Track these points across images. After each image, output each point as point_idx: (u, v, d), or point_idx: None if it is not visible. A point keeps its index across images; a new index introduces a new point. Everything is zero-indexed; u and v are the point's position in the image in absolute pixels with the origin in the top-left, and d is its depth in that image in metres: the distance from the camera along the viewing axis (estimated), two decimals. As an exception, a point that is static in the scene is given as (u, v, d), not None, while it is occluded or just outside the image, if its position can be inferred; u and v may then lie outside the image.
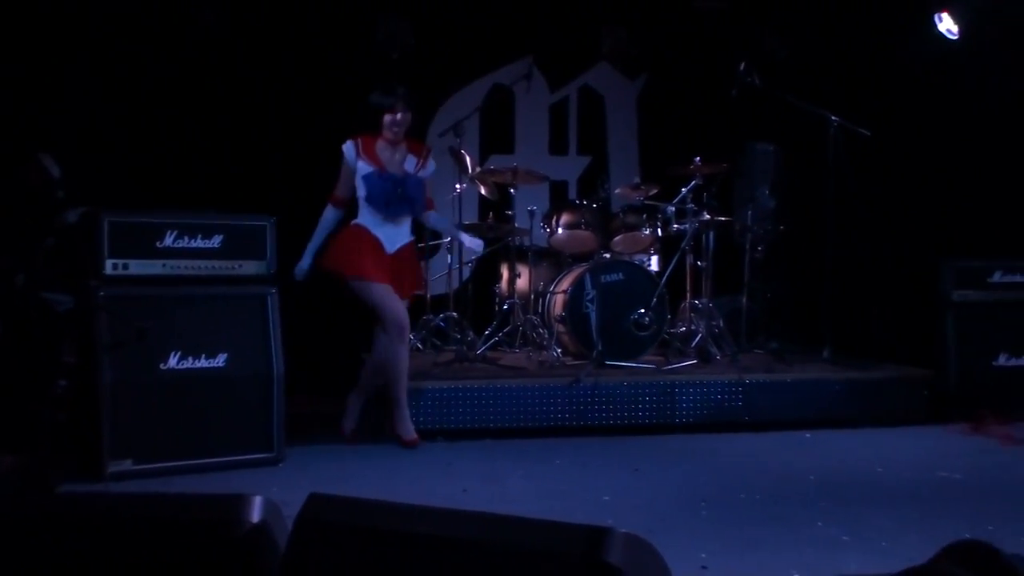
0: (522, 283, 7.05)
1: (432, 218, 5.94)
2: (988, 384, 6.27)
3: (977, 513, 3.97)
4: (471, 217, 7.75)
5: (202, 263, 4.87)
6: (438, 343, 6.97)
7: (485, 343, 6.69)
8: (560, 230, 6.91)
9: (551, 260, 7.16)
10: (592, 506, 4.15)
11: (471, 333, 6.92)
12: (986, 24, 6.66)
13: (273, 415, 4.98)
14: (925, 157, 7.11)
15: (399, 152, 5.56)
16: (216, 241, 4.91)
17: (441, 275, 7.19)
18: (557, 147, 8.52)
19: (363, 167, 5.45)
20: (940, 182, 7.01)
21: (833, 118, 6.62)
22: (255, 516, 2.11)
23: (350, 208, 5.64)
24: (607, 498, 4.30)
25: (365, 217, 5.48)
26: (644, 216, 6.88)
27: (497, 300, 7.23)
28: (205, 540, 2.11)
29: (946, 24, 6.87)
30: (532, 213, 6.90)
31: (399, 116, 5.45)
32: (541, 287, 7.01)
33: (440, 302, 7.11)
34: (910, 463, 4.97)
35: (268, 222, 5.07)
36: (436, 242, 7.31)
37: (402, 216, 5.52)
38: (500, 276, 7.32)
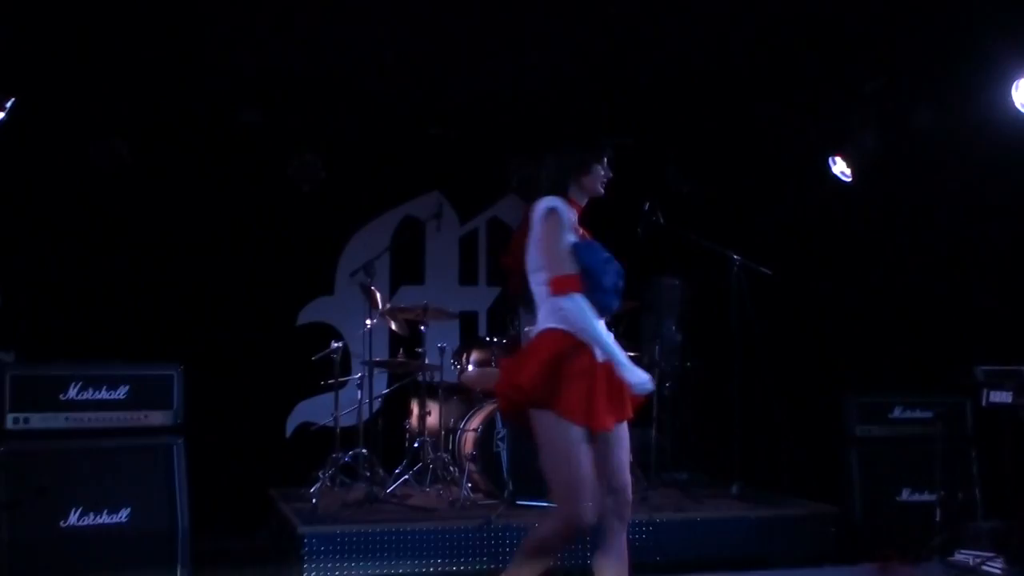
0: (432, 420, 7.04)
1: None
2: (893, 520, 6.39)
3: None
4: (381, 353, 7.76)
5: (107, 415, 4.79)
6: (347, 480, 6.89)
7: (395, 481, 6.63)
8: (470, 367, 6.96)
9: (462, 396, 7.17)
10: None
11: (381, 471, 6.88)
12: (876, 168, 6.98)
13: (177, 571, 4.84)
14: (825, 294, 7.37)
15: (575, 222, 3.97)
16: (122, 392, 4.83)
17: (351, 409, 7.14)
18: (467, 277, 8.63)
19: (572, 238, 3.87)
20: (840, 318, 7.25)
21: (735, 257, 6.82)
22: None
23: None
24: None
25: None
26: (554, 352, 6.93)
27: (407, 437, 7.20)
28: None
29: (840, 167, 7.18)
30: (443, 350, 6.93)
31: (608, 172, 4.03)
32: (452, 424, 7.00)
33: (349, 437, 7.05)
34: (820, 611, 5.03)
35: (175, 371, 5.01)
36: (346, 378, 7.28)
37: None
38: (410, 412, 7.30)
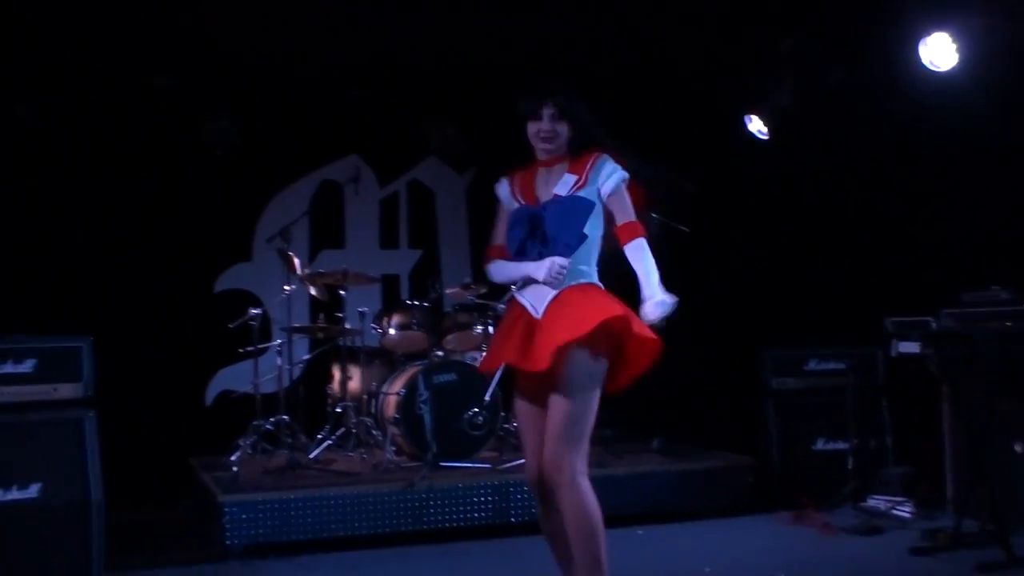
0: (354, 384, 7.01)
1: (631, 251, 3.91)
2: (808, 469, 6.52)
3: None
4: (301, 319, 7.68)
5: (13, 389, 4.67)
6: (269, 447, 6.83)
7: (318, 447, 6.59)
8: (392, 330, 6.92)
9: (383, 360, 7.14)
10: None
11: (303, 436, 6.84)
12: (791, 125, 7.06)
13: (91, 547, 4.75)
14: (741, 250, 7.45)
15: (555, 175, 3.85)
16: (28, 365, 4.71)
17: (271, 375, 7.08)
18: (388, 241, 8.56)
19: (511, 204, 3.96)
20: (756, 274, 7.34)
21: (653, 215, 6.83)
22: None
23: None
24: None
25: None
26: (475, 314, 6.96)
27: (329, 402, 7.16)
28: None
29: (756, 125, 7.24)
30: (363, 314, 6.88)
31: (546, 126, 3.79)
32: (374, 388, 6.97)
33: (270, 404, 6.98)
34: (737, 562, 5.11)
35: (84, 343, 4.90)
36: (265, 344, 7.20)
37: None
38: (332, 377, 7.25)
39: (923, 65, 5.98)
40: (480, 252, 8.53)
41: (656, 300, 3.84)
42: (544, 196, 3.84)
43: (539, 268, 3.69)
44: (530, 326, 3.69)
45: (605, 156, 3.82)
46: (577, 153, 3.85)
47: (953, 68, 5.90)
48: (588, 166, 3.80)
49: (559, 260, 3.68)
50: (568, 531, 3.54)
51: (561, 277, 3.70)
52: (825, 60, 6.80)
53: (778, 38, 6.90)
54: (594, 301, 3.73)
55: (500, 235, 3.94)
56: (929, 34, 5.94)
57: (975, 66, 5.82)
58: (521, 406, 3.79)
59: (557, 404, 3.58)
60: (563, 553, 3.69)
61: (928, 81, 6.04)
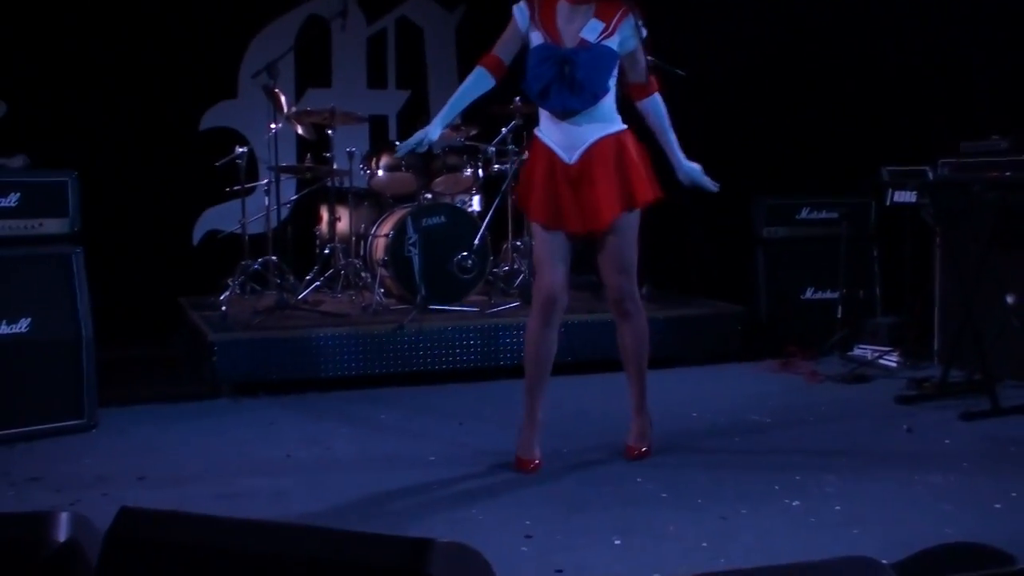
0: (342, 226, 6.94)
1: (650, 108, 4.15)
2: (796, 317, 6.56)
3: (786, 464, 4.15)
4: (289, 159, 7.56)
5: (-3, 222, 4.57)
6: (257, 288, 6.81)
7: (306, 288, 6.57)
8: (381, 172, 6.81)
9: (372, 202, 7.04)
10: (418, 469, 4.16)
11: (291, 277, 6.82)
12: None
13: (83, 380, 4.76)
14: (736, 97, 7.30)
15: (581, 16, 3.86)
16: (12, 200, 4.60)
17: (259, 216, 7.00)
18: (376, 81, 8.37)
19: (536, 38, 3.90)
20: (751, 121, 7.21)
21: (649, 57, 6.67)
22: (62, 535, 2.01)
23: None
24: (432, 458, 4.32)
25: (540, 117, 4.01)
26: (465, 157, 6.84)
27: (318, 243, 7.10)
28: (7, 564, 2.01)
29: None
30: (352, 155, 6.76)
31: None
32: (362, 230, 6.90)
33: (258, 244, 6.93)
34: (723, 407, 5.16)
35: (69, 177, 4.78)
36: (252, 184, 7.10)
37: (574, 108, 3.87)
38: (320, 219, 7.16)
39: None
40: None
41: (698, 167, 4.38)
42: (567, 35, 3.88)
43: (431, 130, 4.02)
44: (568, 176, 3.92)
45: (632, 12, 3.89)
46: None
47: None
48: (617, 17, 3.87)
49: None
50: (635, 346, 4.21)
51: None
52: None
53: None
54: (639, 164, 4.03)
55: (501, 48, 4.01)
56: None
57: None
58: (545, 234, 4.01)
59: (619, 246, 4.02)
60: (542, 374, 4.16)
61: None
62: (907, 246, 6.11)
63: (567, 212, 3.94)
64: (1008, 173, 5.19)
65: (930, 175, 5.64)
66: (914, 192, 5.56)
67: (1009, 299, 5.30)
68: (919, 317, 6.04)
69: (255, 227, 7.02)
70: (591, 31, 3.85)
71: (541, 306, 4.04)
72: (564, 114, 3.90)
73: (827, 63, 6.88)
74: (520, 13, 3.93)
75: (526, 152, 6.75)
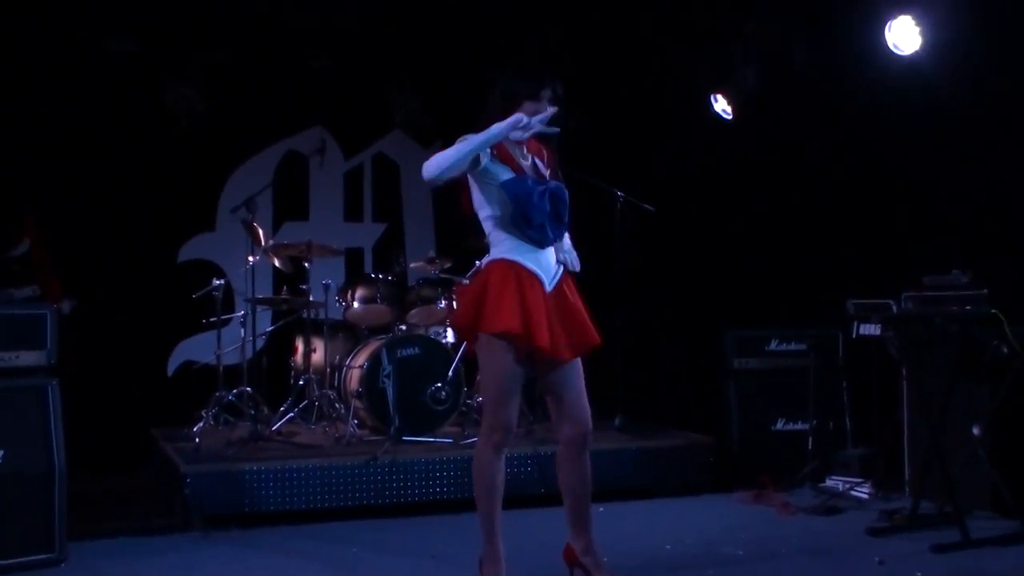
0: (317, 357, 7.00)
1: (567, 245, 4.27)
2: (768, 449, 6.59)
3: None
4: (265, 291, 7.65)
5: (-25, 356, 4.60)
6: (231, 419, 6.82)
7: (280, 419, 6.58)
8: (356, 304, 6.92)
9: (347, 333, 7.14)
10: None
11: (265, 409, 6.83)
12: (756, 105, 7.10)
13: (54, 514, 4.70)
14: (706, 230, 7.49)
15: (524, 154, 4.06)
16: (-10, 332, 4.65)
17: (234, 347, 7.05)
18: (352, 213, 8.54)
19: (502, 172, 3.99)
20: (720, 254, 7.38)
21: (619, 193, 6.88)
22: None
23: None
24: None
25: (508, 246, 4.03)
26: (440, 289, 6.96)
27: (292, 374, 7.14)
28: None
29: (721, 105, 7.27)
30: (327, 287, 6.86)
31: (543, 108, 3.95)
32: (337, 361, 6.96)
33: (233, 375, 6.96)
34: (696, 539, 5.16)
35: (47, 310, 4.84)
36: (228, 315, 7.16)
37: (558, 239, 4.08)
38: (295, 350, 7.23)
39: (887, 48, 6.04)
40: (445, 227, 8.65)
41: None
42: (527, 170, 4.03)
43: (507, 123, 3.85)
44: (549, 302, 3.99)
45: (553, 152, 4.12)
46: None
47: (917, 52, 5.95)
48: (554, 157, 4.11)
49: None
50: (586, 479, 4.11)
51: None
52: (789, 41, 6.84)
53: (744, 16, 6.93)
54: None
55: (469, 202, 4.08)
56: (894, 17, 5.99)
57: (938, 50, 5.87)
58: (517, 369, 3.98)
59: (580, 377, 4.12)
60: (499, 501, 4.06)
61: (892, 64, 6.09)
62: (874, 377, 6.20)
63: (556, 335, 3.95)
64: (969, 307, 5.32)
65: (894, 308, 5.77)
66: (879, 325, 5.67)
67: (975, 430, 5.37)
68: (889, 448, 6.10)
69: (230, 358, 7.06)
70: (548, 170, 4.07)
71: (500, 441, 4.01)
72: (543, 243, 4.00)
73: (793, 196, 7.09)
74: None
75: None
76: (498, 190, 3.95)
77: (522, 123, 3.86)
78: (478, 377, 4.01)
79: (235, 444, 6.12)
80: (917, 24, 5.90)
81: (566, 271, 4.13)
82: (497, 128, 3.85)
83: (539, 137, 4.04)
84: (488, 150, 3.93)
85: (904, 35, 5.97)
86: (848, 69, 6.57)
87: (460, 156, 3.84)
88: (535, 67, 4.08)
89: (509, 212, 3.93)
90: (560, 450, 4.13)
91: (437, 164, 3.85)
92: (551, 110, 3.93)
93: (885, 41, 6.04)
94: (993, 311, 5.07)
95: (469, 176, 3.99)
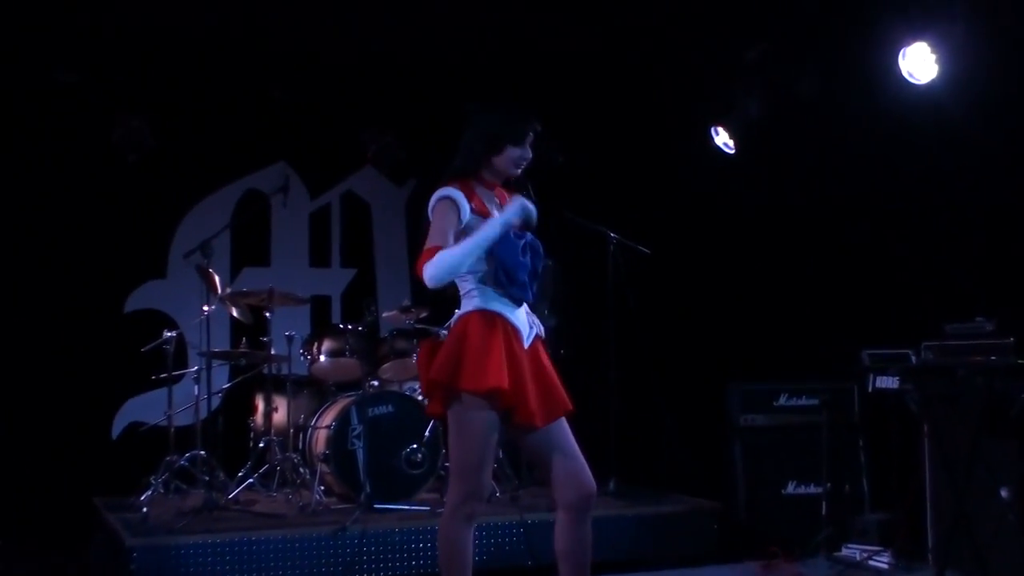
0: (280, 417, 7.00)
1: None
2: (778, 515, 6.60)
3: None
4: (222, 343, 7.64)
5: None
6: (183, 487, 6.77)
7: (238, 486, 6.56)
8: (322, 357, 6.93)
9: (313, 390, 7.15)
10: None
11: (222, 474, 6.80)
12: (760, 138, 7.19)
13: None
14: (707, 275, 7.54)
15: (494, 202, 4.09)
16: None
17: (187, 407, 7.03)
18: (319, 259, 8.58)
19: (477, 223, 3.98)
20: (724, 301, 7.43)
21: (612, 235, 6.94)
22: None
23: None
24: None
25: (487, 297, 4.00)
26: (415, 341, 6.98)
27: (252, 436, 7.13)
28: None
29: (722, 138, 7.37)
30: (291, 339, 6.88)
31: (528, 154, 4.06)
32: (301, 421, 6.96)
33: (185, 438, 6.94)
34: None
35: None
36: (181, 371, 7.16)
37: (534, 297, 4.11)
38: (254, 409, 7.23)
39: (902, 76, 6.12)
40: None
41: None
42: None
43: (513, 210, 3.89)
44: (525, 361, 3.97)
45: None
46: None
47: (933, 80, 6.03)
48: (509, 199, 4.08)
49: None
50: (587, 548, 4.04)
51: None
52: (797, 70, 6.93)
53: (747, 45, 7.03)
54: None
55: (446, 239, 3.89)
56: (908, 44, 6.07)
57: (957, 79, 5.96)
58: (496, 431, 3.97)
59: (568, 434, 4.11)
60: None
61: (906, 94, 6.17)
62: (893, 435, 6.23)
63: (533, 399, 3.95)
64: (994, 357, 5.36)
65: (913, 359, 5.81)
66: (897, 377, 5.72)
67: (1004, 492, 5.40)
68: (910, 513, 6.11)
69: (182, 419, 7.03)
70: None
71: (473, 511, 3.98)
72: (523, 300, 4.04)
73: (802, 236, 7.16)
74: (460, 198, 3.93)
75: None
76: None
77: (530, 216, 3.92)
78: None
79: (187, 514, 6.08)
80: (933, 51, 5.98)
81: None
82: (505, 219, 3.87)
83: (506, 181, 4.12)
84: (467, 204, 3.93)
85: (919, 63, 6.05)
86: (859, 99, 6.66)
87: (468, 256, 3.85)
88: (517, 108, 4.08)
89: (492, 268, 3.94)
90: (560, 516, 4.08)
91: (445, 268, 3.83)
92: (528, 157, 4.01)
93: (899, 69, 6.12)
94: (1021, 361, 5.11)
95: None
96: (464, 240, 3.85)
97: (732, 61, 7.16)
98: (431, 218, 3.92)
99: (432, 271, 3.81)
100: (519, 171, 4.06)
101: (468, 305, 4.00)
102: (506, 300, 4.00)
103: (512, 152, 4.00)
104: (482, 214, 3.99)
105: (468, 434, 3.95)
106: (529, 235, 4.05)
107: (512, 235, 3.97)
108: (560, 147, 8.47)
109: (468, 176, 4.02)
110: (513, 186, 4.12)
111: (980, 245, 6.13)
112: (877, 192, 6.74)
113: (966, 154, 6.08)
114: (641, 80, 7.64)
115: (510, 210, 3.91)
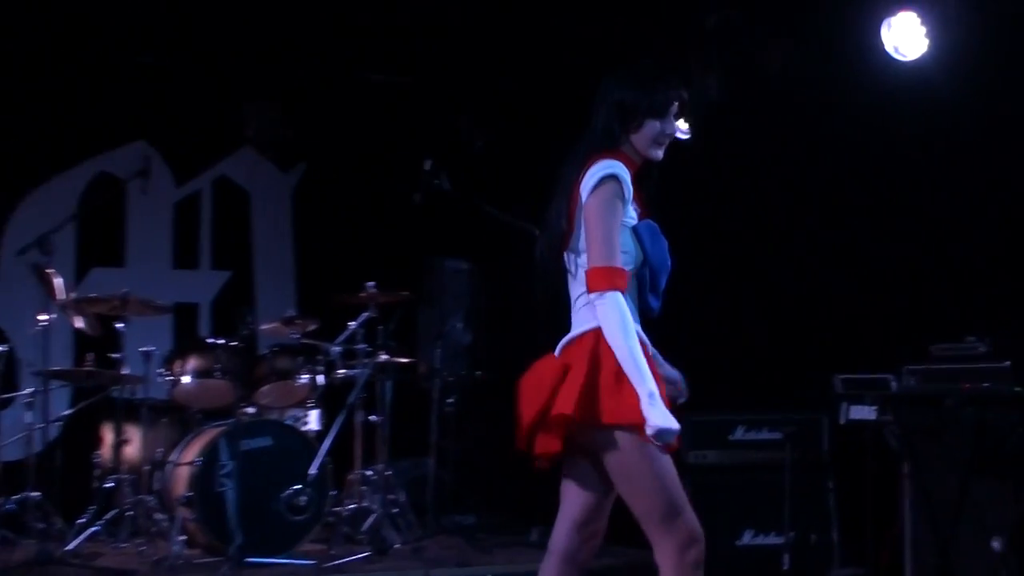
0: (132, 451, 6.94)
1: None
2: (731, 569, 6.64)
3: None
4: (63, 361, 7.54)
5: None
6: (10, 535, 6.68)
7: (79, 535, 6.47)
8: (186, 378, 6.87)
9: (173, 418, 7.09)
10: None
11: (59, 521, 6.71)
12: (719, 122, 7.24)
13: None
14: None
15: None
16: None
17: (18, 437, 6.94)
18: (185, 259, 8.54)
19: (632, 216, 3.87)
20: (669, 317, 7.44)
21: (538, 232, 6.92)
22: None
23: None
24: None
25: (630, 310, 3.81)
26: (301, 359, 6.95)
27: (97, 474, 7.04)
28: None
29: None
30: (148, 355, 6.82)
31: (671, 127, 3.91)
32: (159, 456, 6.88)
33: (15, 476, 6.84)
34: None
35: None
36: (10, 394, 7.06)
37: None
38: (101, 441, 7.14)
39: (885, 51, 6.19)
40: (309, 276, 8.64)
41: None
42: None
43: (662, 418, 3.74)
44: None
45: None
46: None
47: (922, 56, 6.11)
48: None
49: None
50: None
51: None
52: (762, 41, 7.00)
53: (706, 10, 7.08)
54: None
55: (617, 247, 3.76)
56: (894, 14, 6.14)
57: (949, 55, 6.04)
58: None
59: None
60: None
61: (892, 71, 6.25)
62: (868, 475, 6.28)
63: None
64: (987, 384, 5.43)
65: (893, 385, 5.87)
66: (874, 407, 5.77)
67: (996, 544, 5.46)
68: (886, 568, 6.18)
69: (11, 452, 6.97)
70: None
71: (699, 559, 3.96)
72: (650, 315, 3.96)
73: (765, 239, 7.21)
74: (627, 180, 3.78)
75: (381, 353, 6.86)
76: (632, 238, 3.81)
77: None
78: (631, 487, 3.88)
79: (16, 569, 6.01)
80: (922, 23, 6.06)
81: None
82: (657, 402, 3.72)
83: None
84: (631, 189, 3.79)
85: (906, 36, 6.12)
86: (836, 77, 6.73)
87: (626, 357, 3.70)
88: (655, 70, 3.91)
89: (637, 270, 3.85)
90: (553, 565, 3.97)
91: (612, 329, 3.70)
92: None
93: (883, 43, 6.19)
94: (1017, 389, 5.19)
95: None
96: (636, 351, 3.70)
97: (688, 29, 7.20)
98: (591, 203, 3.74)
99: (609, 316, 3.69)
100: (660, 153, 3.87)
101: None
102: (635, 311, 3.87)
103: (652, 127, 3.83)
104: (636, 201, 3.85)
105: (661, 469, 3.89)
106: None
107: (649, 226, 3.85)
108: (483, 129, 8.48)
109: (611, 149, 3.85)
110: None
111: (974, 251, 6.21)
112: (854, 187, 6.81)
113: (960, 142, 6.15)
114: (580, 53, 7.65)
115: (664, 415, 3.73)
